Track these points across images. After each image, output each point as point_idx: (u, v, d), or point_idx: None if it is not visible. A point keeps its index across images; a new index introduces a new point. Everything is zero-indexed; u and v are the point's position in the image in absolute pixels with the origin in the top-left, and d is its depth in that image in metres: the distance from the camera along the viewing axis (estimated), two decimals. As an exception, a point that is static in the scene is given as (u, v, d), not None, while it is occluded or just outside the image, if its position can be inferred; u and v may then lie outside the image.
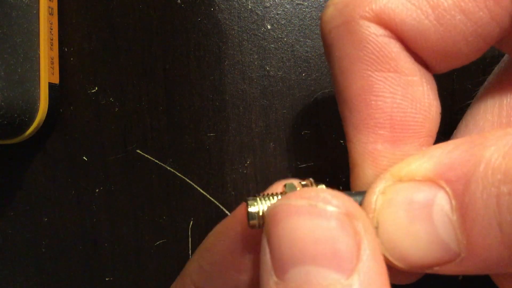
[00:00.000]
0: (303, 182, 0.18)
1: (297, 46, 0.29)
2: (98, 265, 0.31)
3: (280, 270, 0.15)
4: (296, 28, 0.29)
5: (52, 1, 0.30)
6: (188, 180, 0.30)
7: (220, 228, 0.21)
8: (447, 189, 0.15)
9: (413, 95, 0.18)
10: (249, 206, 0.17)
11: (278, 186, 0.20)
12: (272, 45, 0.29)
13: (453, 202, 0.15)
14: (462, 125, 0.21)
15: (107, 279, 0.31)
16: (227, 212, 0.30)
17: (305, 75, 0.29)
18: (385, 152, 0.18)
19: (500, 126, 0.20)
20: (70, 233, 0.31)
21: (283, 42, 0.29)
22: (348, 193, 0.18)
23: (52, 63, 0.30)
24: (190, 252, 0.31)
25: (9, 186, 0.32)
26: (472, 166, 0.15)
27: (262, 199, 0.17)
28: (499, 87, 0.20)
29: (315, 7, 0.29)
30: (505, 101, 0.20)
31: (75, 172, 0.31)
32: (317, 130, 0.29)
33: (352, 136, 0.19)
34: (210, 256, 0.20)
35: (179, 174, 0.30)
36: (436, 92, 0.19)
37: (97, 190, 0.31)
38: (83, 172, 0.31)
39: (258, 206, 0.17)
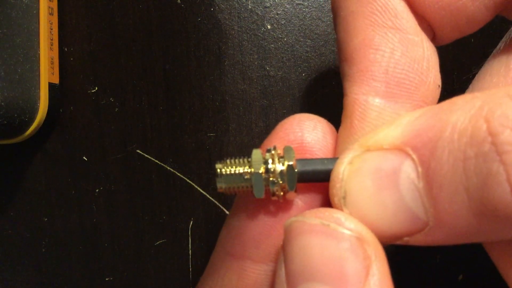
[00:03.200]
0: (269, 148, 0.18)
1: (297, 46, 0.29)
2: (98, 265, 0.31)
3: (291, 284, 0.15)
4: (296, 28, 0.29)
5: (52, 1, 0.30)
6: (188, 180, 0.30)
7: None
8: (414, 156, 0.15)
9: (413, 55, 0.18)
10: (216, 170, 0.18)
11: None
12: (272, 45, 0.29)
13: (419, 169, 0.15)
14: (468, 90, 0.21)
15: (107, 279, 0.31)
16: (227, 212, 0.30)
17: (305, 75, 0.29)
18: (375, 106, 0.18)
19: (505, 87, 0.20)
20: (70, 233, 0.31)
21: (283, 42, 0.29)
22: (321, 160, 0.18)
23: (52, 63, 0.30)
24: (190, 252, 0.31)
25: (9, 186, 0.32)
26: (437, 131, 0.15)
27: (230, 163, 0.18)
28: (506, 52, 0.20)
29: (315, 7, 0.29)
30: (511, 65, 0.20)
31: (75, 172, 0.31)
32: (317, 130, 0.29)
33: (346, 89, 0.19)
34: (237, 211, 0.20)
35: (179, 174, 0.30)
36: (437, 63, 0.19)
37: (97, 190, 0.31)
38: (83, 172, 0.31)
39: (226, 170, 0.18)
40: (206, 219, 0.30)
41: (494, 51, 0.21)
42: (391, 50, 0.18)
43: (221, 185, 0.18)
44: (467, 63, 0.29)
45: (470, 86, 0.21)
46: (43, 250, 0.32)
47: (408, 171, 0.15)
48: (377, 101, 0.18)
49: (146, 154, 0.30)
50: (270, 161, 0.18)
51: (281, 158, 0.18)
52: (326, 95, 0.29)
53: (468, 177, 0.14)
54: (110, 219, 0.31)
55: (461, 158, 0.14)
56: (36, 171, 0.31)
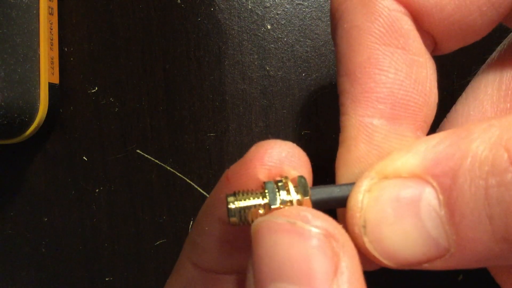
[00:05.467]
0: (277, 179, 0.18)
1: (297, 46, 0.29)
2: (98, 265, 0.31)
3: (260, 286, 0.15)
4: (296, 28, 0.29)
5: (52, 1, 0.30)
6: (188, 180, 0.30)
7: (206, 204, 0.21)
8: (434, 184, 0.15)
9: (417, 76, 0.18)
10: (228, 204, 0.17)
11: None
12: (272, 45, 0.29)
13: (441, 197, 0.15)
14: (462, 98, 0.21)
15: (107, 279, 0.31)
16: (227, 212, 0.30)
17: (305, 75, 0.29)
18: (381, 128, 0.18)
19: (498, 99, 0.20)
20: (70, 233, 0.31)
21: (283, 42, 0.29)
22: (334, 187, 0.18)
23: (52, 63, 0.30)
24: (190, 252, 0.31)
25: (9, 186, 0.32)
26: (458, 160, 0.15)
27: (242, 195, 0.17)
28: (500, 63, 0.20)
29: (315, 7, 0.29)
30: (505, 76, 0.20)
31: (75, 172, 0.31)
32: (317, 130, 0.29)
33: (349, 109, 0.19)
34: (201, 229, 0.20)
35: (179, 174, 0.30)
36: (436, 82, 0.19)
37: (97, 190, 0.31)
38: (83, 172, 0.31)
39: (238, 203, 0.17)
40: (206, 219, 0.30)
41: (489, 59, 0.21)
42: (396, 70, 0.18)
43: (234, 219, 0.17)
44: (467, 63, 0.29)
45: (464, 94, 0.21)
46: (43, 250, 0.32)
47: (429, 199, 0.15)
48: (382, 123, 0.18)
49: (146, 154, 0.30)
50: (283, 192, 0.17)
51: (290, 188, 0.17)
52: (326, 95, 0.29)
53: (491, 205, 0.14)
54: (110, 219, 0.31)
55: (483, 187, 0.14)
56: (36, 171, 0.31)
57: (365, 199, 0.16)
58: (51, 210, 0.32)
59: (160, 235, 0.31)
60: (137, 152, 0.30)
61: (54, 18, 0.30)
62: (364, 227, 0.16)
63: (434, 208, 0.15)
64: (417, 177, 0.16)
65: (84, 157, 0.31)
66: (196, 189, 0.30)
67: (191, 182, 0.30)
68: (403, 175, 0.16)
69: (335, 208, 0.18)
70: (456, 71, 0.29)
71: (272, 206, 0.17)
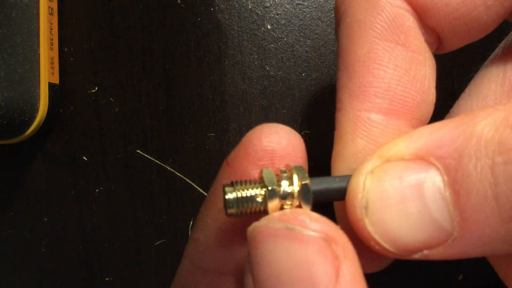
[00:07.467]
0: (282, 169, 0.17)
1: (297, 46, 0.29)
2: (98, 265, 0.31)
3: None
4: (296, 28, 0.29)
5: (52, 1, 0.30)
6: (188, 180, 0.30)
7: (208, 196, 0.20)
8: (438, 165, 0.15)
9: (416, 74, 0.18)
10: (226, 194, 0.17)
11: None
12: (272, 45, 0.29)
13: (445, 177, 0.15)
14: (465, 94, 0.21)
15: (107, 279, 0.31)
16: (227, 212, 0.30)
17: (305, 75, 0.29)
18: (378, 123, 0.18)
19: (502, 95, 0.20)
20: (70, 233, 0.31)
21: (283, 42, 0.29)
22: (333, 178, 0.17)
23: (52, 63, 0.30)
24: (190, 252, 0.31)
25: (9, 186, 0.32)
26: (463, 141, 0.15)
27: (240, 186, 0.17)
28: (504, 59, 0.20)
29: (315, 7, 0.29)
30: (508, 72, 0.20)
31: (75, 172, 0.31)
32: (317, 130, 0.29)
33: (346, 104, 0.18)
34: (202, 225, 0.20)
35: (179, 174, 0.30)
36: (435, 81, 0.19)
37: (97, 190, 0.31)
38: (83, 172, 0.31)
39: (236, 193, 0.17)
40: (206, 219, 0.30)
41: (492, 55, 0.21)
42: (395, 66, 0.18)
43: (231, 210, 0.17)
44: (467, 63, 0.29)
45: (467, 90, 0.21)
46: (43, 250, 0.32)
47: (434, 180, 0.15)
48: (379, 118, 0.18)
49: (146, 154, 0.30)
50: (285, 182, 0.17)
51: (290, 178, 0.17)
52: (326, 95, 0.29)
53: (497, 184, 0.14)
54: (110, 219, 0.31)
55: (489, 165, 0.14)
56: (36, 171, 0.31)
57: (367, 180, 0.16)
58: (51, 210, 0.32)
59: (160, 235, 0.31)
60: (137, 152, 0.30)
61: (54, 18, 0.30)
62: (366, 208, 0.16)
63: (438, 189, 0.15)
64: (420, 159, 0.15)
65: (84, 157, 0.31)
66: (196, 189, 0.30)
67: (191, 182, 0.30)
68: (406, 158, 0.16)
69: (333, 201, 0.18)
70: (456, 71, 0.29)
71: (271, 192, 0.16)
